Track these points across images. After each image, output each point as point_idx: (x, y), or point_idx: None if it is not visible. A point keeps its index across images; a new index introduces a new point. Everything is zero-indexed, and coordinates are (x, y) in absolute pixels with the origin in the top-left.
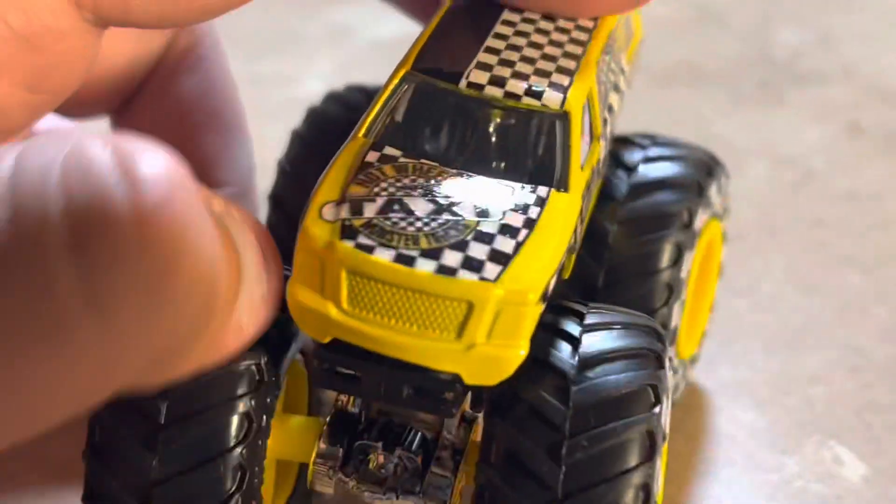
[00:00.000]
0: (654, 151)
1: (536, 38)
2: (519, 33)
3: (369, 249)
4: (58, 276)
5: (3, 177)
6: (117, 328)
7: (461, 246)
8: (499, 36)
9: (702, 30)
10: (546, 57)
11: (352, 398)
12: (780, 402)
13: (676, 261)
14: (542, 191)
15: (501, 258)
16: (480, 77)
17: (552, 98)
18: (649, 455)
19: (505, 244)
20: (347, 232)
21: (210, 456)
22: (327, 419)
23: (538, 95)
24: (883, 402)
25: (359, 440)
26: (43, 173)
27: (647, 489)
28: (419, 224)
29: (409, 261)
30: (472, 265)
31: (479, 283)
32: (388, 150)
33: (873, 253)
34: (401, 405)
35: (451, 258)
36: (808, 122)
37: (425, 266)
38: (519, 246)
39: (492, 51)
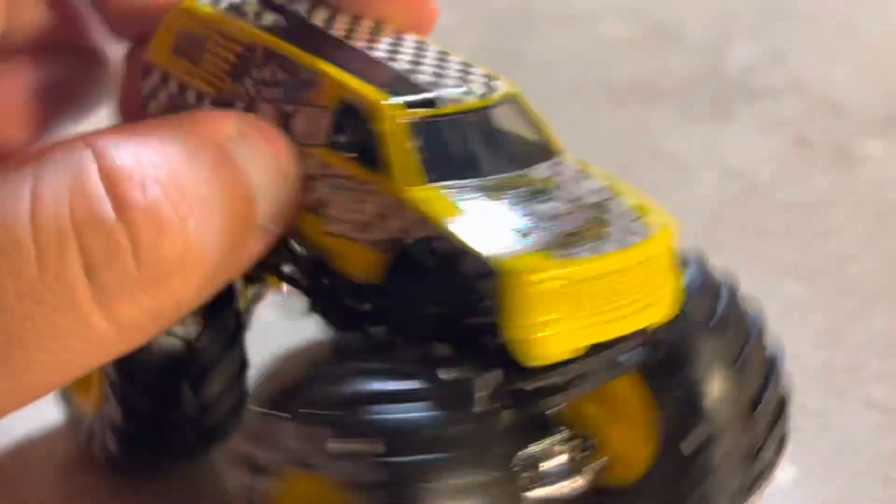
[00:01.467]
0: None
1: (411, 43)
2: (397, 43)
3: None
4: (80, 296)
5: None
6: (132, 327)
7: (616, 222)
8: (392, 52)
9: (656, 47)
10: (442, 53)
11: None
12: None
13: None
14: (566, 158)
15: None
16: (453, 94)
17: (500, 86)
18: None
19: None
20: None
21: None
22: None
23: (494, 88)
24: (814, 407)
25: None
26: None
27: None
28: (578, 221)
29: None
30: (637, 230)
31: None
32: (451, 182)
33: (814, 261)
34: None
35: (620, 234)
36: (756, 136)
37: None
38: (616, 190)
39: (415, 70)
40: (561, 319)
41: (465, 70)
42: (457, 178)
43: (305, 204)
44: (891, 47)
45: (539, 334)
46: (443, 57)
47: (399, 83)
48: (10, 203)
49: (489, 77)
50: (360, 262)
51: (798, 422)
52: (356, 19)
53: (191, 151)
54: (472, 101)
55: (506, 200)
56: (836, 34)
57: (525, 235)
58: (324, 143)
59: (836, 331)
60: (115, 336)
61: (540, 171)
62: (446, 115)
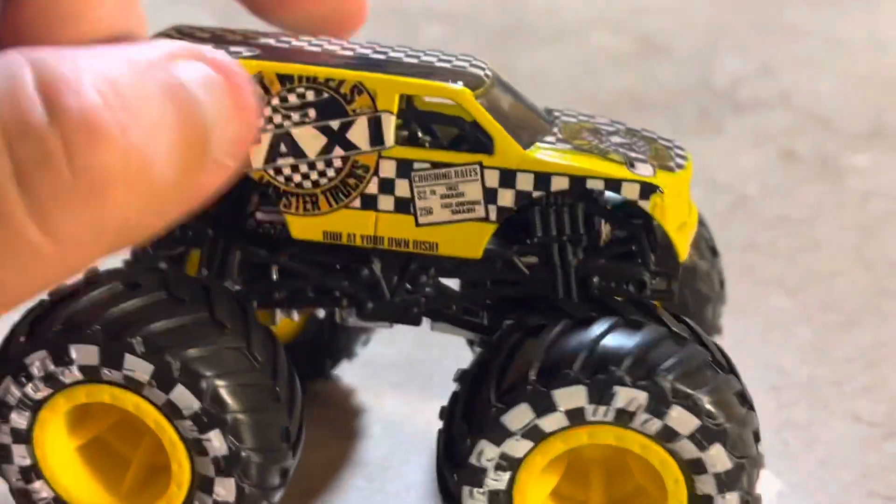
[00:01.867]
0: None
1: (372, 44)
2: (365, 45)
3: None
4: (12, 207)
5: None
6: (72, 242)
7: (668, 147)
8: (379, 52)
9: (646, 60)
10: (403, 47)
11: None
12: None
13: None
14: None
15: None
16: (478, 73)
17: (482, 60)
18: None
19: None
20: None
21: None
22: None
23: (484, 63)
24: (800, 420)
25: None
26: None
27: None
28: (644, 147)
29: None
30: (680, 155)
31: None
32: (540, 143)
33: (800, 275)
34: None
35: (675, 157)
36: (744, 149)
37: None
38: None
39: (430, 62)
40: (683, 225)
41: (448, 55)
42: (534, 139)
43: (384, 208)
44: (877, 61)
45: (683, 236)
46: (416, 50)
47: (438, 73)
48: None
49: (465, 55)
50: (467, 241)
51: (784, 435)
52: (299, 34)
53: (142, 70)
54: (490, 75)
55: (585, 143)
56: (823, 48)
57: (635, 162)
58: (396, 144)
59: (821, 345)
60: (54, 251)
61: (565, 119)
62: (487, 92)
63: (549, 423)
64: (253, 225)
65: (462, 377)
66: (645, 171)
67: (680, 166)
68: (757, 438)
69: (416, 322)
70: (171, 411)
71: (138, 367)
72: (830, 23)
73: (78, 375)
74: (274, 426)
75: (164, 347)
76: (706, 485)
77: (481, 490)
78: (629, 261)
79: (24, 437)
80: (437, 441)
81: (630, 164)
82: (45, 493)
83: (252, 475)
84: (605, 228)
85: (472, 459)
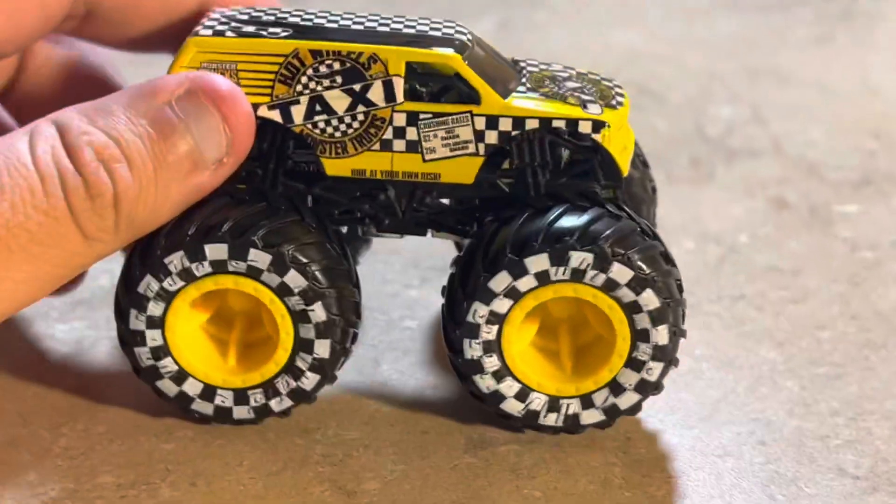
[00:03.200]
0: None
1: (367, 16)
2: (361, 18)
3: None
4: (67, 226)
5: None
6: (95, 241)
7: (611, 88)
8: (380, 24)
9: (640, 107)
10: (399, 17)
11: None
12: (691, 475)
13: None
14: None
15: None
16: (462, 38)
17: (462, 25)
18: None
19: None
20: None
21: None
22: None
23: (463, 27)
24: (787, 475)
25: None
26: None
27: None
28: (592, 89)
29: None
30: (620, 95)
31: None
32: (515, 94)
33: (788, 327)
34: None
35: (615, 96)
36: (735, 198)
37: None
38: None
39: (422, 31)
40: (625, 148)
41: (436, 23)
42: (511, 90)
43: (397, 149)
44: (868, 108)
45: (625, 156)
46: (411, 19)
47: (433, 40)
48: (17, 153)
49: (448, 22)
50: (462, 170)
51: (770, 490)
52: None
53: (134, 116)
54: (471, 39)
55: (548, 90)
56: (815, 95)
57: (587, 103)
58: (404, 100)
59: (808, 398)
60: (82, 246)
61: (529, 69)
62: (471, 53)
63: (522, 284)
64: (291, 165)
65: (456, 261)
66: (595, 110)
67: (620, 104)
68: (680, 288)
69: (422, 233)
70: (283, 291)
71: (259, 258)
72: (822, 69)
73: (208, 269)
74: (351, 300)
75: (279, 242)
76: (643, 321)
77: (477, 341)
78: (584, 178)
79: (157, 322)
80: (442, 311)
81: (583, 105)
82: (172, 366)
83: (339, 337)
84: (565, 154)
85: (469, 318)
